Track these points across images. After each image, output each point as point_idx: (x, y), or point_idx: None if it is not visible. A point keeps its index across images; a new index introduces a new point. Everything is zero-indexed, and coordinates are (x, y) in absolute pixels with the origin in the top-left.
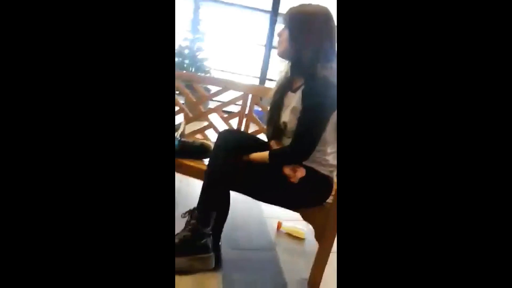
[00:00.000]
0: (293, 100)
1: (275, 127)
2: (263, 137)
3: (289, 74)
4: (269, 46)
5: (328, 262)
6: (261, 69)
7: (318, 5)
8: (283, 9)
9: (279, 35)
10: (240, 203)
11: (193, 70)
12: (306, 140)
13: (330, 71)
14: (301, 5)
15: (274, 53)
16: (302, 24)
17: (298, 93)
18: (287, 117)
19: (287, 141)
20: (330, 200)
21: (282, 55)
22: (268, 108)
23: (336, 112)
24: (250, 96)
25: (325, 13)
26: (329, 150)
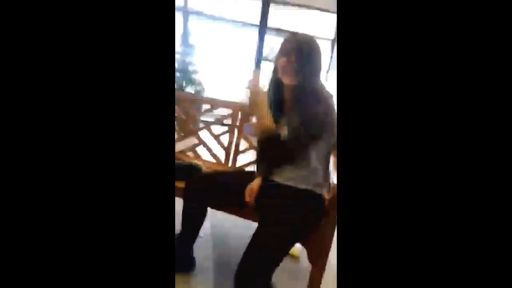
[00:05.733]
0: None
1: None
2: (253, 153)
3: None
4: (258, 59)
5: (322, 282)
6: None
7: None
8: (271, 23)
9: (288, 60)
10: (233, 223)
11: (184, 84)
12: (316, 123)
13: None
14: (304, 35)
15: (263, 66)
16: (311, 52)
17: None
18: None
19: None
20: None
21: (288, 76)
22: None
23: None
24: (240, 113)
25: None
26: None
